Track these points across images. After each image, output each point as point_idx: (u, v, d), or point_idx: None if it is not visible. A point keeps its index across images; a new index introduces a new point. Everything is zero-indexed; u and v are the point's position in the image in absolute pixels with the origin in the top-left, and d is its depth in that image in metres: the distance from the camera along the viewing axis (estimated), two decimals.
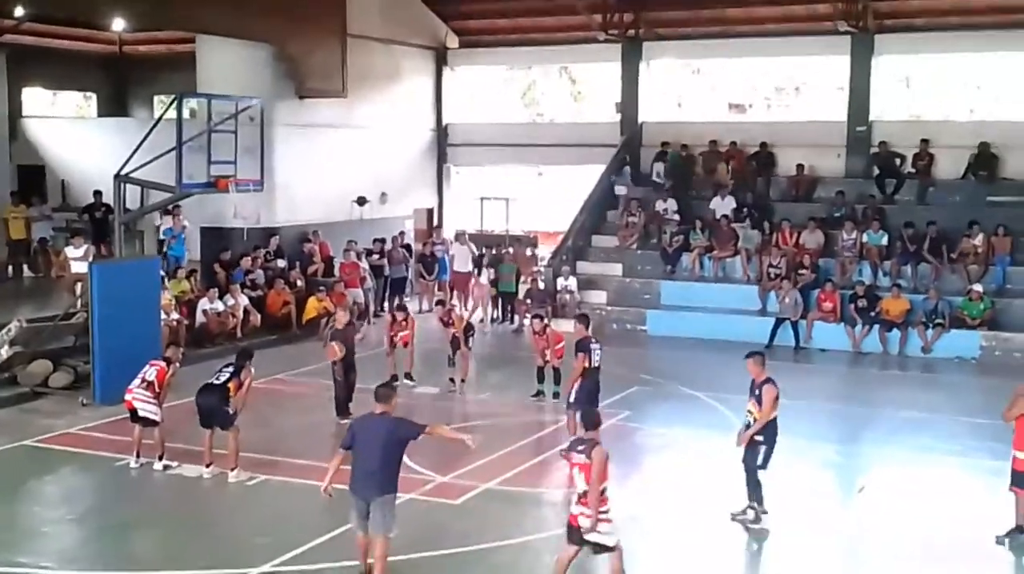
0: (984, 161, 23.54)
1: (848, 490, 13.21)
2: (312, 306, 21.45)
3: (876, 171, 24.36)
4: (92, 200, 23.78)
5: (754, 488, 11.25)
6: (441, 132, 29.71)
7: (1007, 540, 10.87)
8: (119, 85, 33.16)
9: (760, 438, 11.15)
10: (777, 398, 11.07)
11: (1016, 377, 12.29)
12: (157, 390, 13.04)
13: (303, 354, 19.18)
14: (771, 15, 25.78)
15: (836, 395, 17.75)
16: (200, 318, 19.86)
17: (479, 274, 24.30)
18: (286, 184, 23.42)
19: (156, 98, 32.59)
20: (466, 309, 24.59)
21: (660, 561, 10.24)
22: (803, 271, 22.09)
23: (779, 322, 21.26)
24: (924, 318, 20.66)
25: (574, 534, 9.05)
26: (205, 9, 20.44)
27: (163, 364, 13.25)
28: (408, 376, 17.54)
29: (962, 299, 20.71)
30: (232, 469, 12.64)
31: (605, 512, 8.98)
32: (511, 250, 25.22)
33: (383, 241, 24.92)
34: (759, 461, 11.17)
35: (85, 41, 31.17)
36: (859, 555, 10.96)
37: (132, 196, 17.80)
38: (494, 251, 25.32)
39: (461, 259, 24.81)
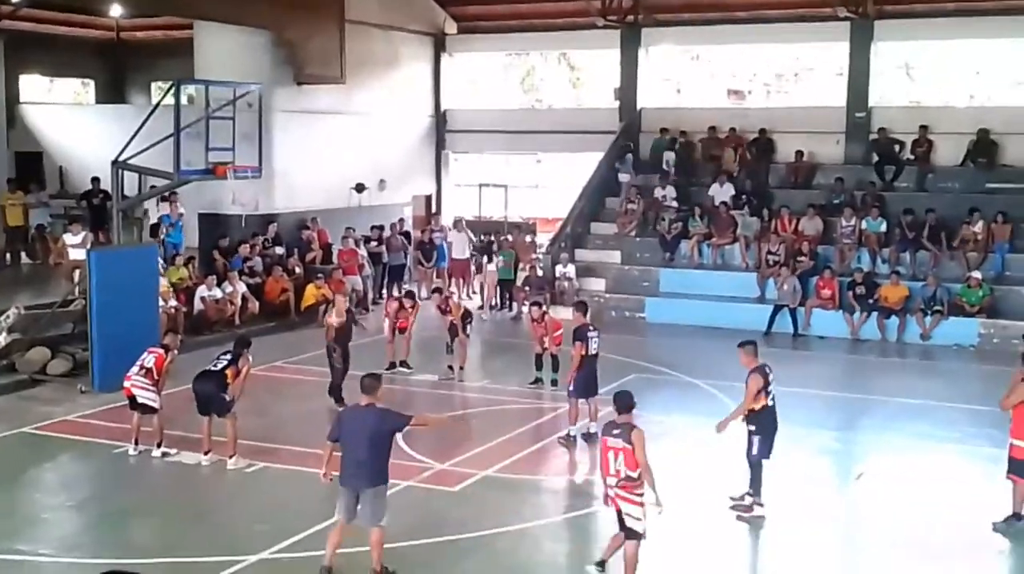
0: (983, 148, 23.51)
1: (846, 477, 13.22)
2: (310, 293, 21.44)
3: (875, 158, 24.32)
4: (90, 187, 23.74)
5: (752, 477, 11.26)
6: (440, 118, 29.66)
7: (1005, 527, 10.90)
8: (117, 71, 33.11)
9: (752, 428, 11.17)
10: (762, 390, 11.03)
11: (1014, 364, 12.28)
12: (156, 377, 13.04)
13: (301, 341, 19.17)
14: (770, 1, 25.73)
15: (834, 382, 17.74)
16: (198, 305, 19.85)
17: (489, 261, 24.19)
18: (284, 171, 23.38)
19: (154, 84, 32.54)
20: (470, 296, 24.63)
21: (658, 548, 10.23)
22: (802, 258, 22.07)
23: (777, 309, 21.26)
24: (923, 305, 20.66)
25: (618, 517, 9.17)
26: None
27: (161, 351, 13.24)
28: (404, 364, 17.57)
29: (961, 286, 20.71)
30: (230, 456, 12.65)
31: (640, 495, 9.06)
32: (509, 237, 25.19)
33: (381, 228, 24.90)
34: (753, 451, 11.19)
35: (83, 27, 31.13)
36: (856, 542, 10.99)
37: (130, 183, 17.78)
38: (492, 238, 25.29)
39: (459, 246, 24.80)
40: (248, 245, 22.22)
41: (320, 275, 21.76)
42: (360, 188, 25.84)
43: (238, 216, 23.04)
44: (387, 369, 17.42)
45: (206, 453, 12.80)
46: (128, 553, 10.32)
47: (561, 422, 14.24)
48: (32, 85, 31.99)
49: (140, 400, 13.01)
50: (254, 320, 20.73)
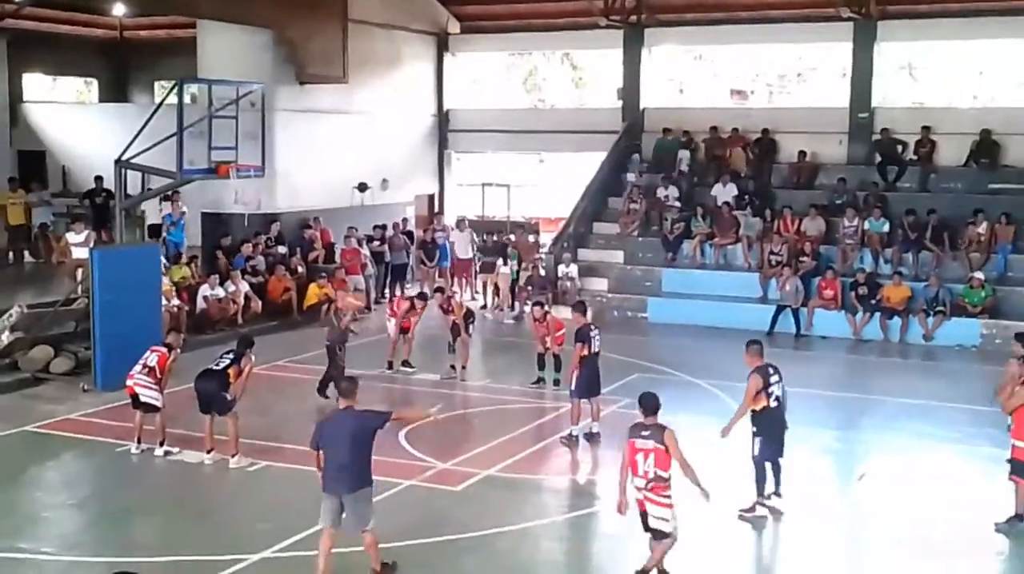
0: (986, 148, 23.48)
1: (848, 477, 13.23)
2: (313, 292, 21.45)
3: (878, 158, 24.30)
4: (93, 186, 23.77)
5: (756, 478, 11.27)
6: (442, 118, 29.65)
7: (1007, 528, 10.90)
8: (120, 70, 33.11)
9: (754, 429, 11.19)
10: (761, 390, 11.03)
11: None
12: (158, 376, 13.05)
13: (304, 340, 19.17)
14: (774, 1, 25.71)
15: (836, 382, 17.74)
16: (201, 304, 19.86)
17: (504, 262, 24.01)
18: (287, 170, 23.37)
19: (157, 83, 32.54)
20: (473, 296, 24.60)
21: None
22: (804, 258, 22.06)
23: (780, 309, 21.25)
24: (925, 306, 20.64)
25: (645, 519, 9.18)
26: None
27: (164, 350, 13.26)
28: (407, 363, 17.58)
29: (963, 287, 20.69)
30: (233, 455, 12.67)
31: (668, 497, 9.08)
32: (512, 237, 25.19)
33: (384, 227, 24.90)
34: (755, 452, 11.21)
35: (85, 26, 31.12)
36: (859, 541, 10.98)
37: (133, 182, 17.79)
38: (505, 239, 25.24)
39: (462, 246, 24.80)
40: (251, 244, 22.23)
41: (323, 274, 21.77)
42: (363, 187, 25.84)
43: (241, 215, 23.00)
44: (387, 369, 17.46)
45: (208, 452, 12.81)
46: (130, 552, 10.33)
47: (563, 422, 14.24)
48: (35, 84, 32.00)
49: (143, 399, 13.02)
50: (256, 319, 20.74)
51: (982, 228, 21.69)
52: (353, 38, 24.35)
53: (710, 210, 24.05)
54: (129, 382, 13.11)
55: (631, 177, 25.80)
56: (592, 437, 13.81)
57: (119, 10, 26.28)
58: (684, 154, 25.57)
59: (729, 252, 23.64)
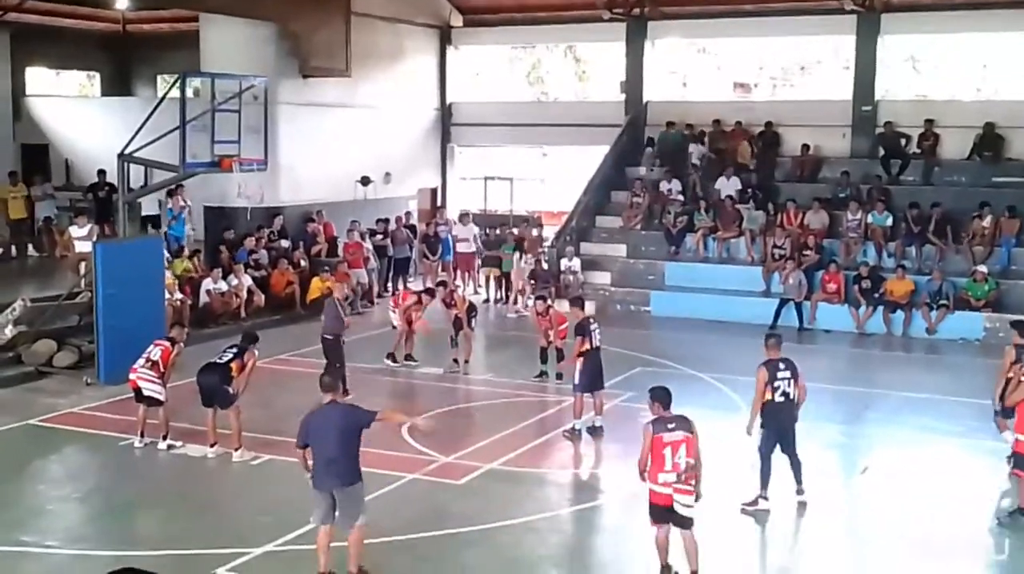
0: (989, 141, 23.44)
1: (851, 470, 13.23)
2: (316, 286, 21.45)
3: (881, 151, 24.27)
4: (96, 179, 23.79)
5: (760, 470, 11.30)
6: (445, 111, 29.65)
7: (1009, 521, 10.90)
8: (122, 64, 33.10)
9: (761, 421, 11.27)
10: (768, 382, 11.11)
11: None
12: (162, 370, 13.07)
13: (307, 334, 19.14)
14: None
15: (839, 376, 17.72)
16: (204, 298, 19.88)
17: (520, 258, 23.82)
18: (290, 164, 23.38)
19: (160, 77, 32.54)
20: (477, 290, 24.59)
21: None
22: (807, 252, 22.03)
23: (783, 303, 21.21)
24: (928, 299, 20.62)
25: (670, 514, 9.17)
26: None
27: (168, 344, 13.27)
28: (410, 357, 17.59)
29: (966, 280, 20.66)
30: (236, 449, 12.69)
31: (693, 484, 9.17)
32: (515, 230, 25.17)
33: (387, 221, 24.89)
34: (759, 443, 11.25)
35: (88, 20, 31.12)
36: (862, 534, 10.99)
37: (136, 175, 17.79)
38: (498, 231, 25.24)
39: (464, 240, 24.78)
40: (254, 238, 22.23)
41: (326, 268, 21.79)
42: (365, 181, 25.84)
43: (244, 209, 23.06)
44: (392, 362, 17.47)
45: (212, 445, 12.83)
46: (133, 545, 10.36)
47: (566, 416, 14.24)
48: (38, 78, 32.00)
49: (146, 393, 13.04)
50: (259, 313, 20.75)
51: (987, 222, 21.66)
52: (356, 31, 24.34)
53: (713, 204, 24.03)
54: (132, 376, 13.13)
55: (643, 170, 25.72)
56: (595, 431, 13.82)
57: (122, 4, 26.34)
58: (696, 148, 25.51)
59: (732, 246, 23.62)
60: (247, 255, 21.73)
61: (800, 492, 11.39)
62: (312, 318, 20.50)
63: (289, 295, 21.63)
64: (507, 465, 12.67)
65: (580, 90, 36.82)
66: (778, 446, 11.28)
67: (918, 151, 24.04)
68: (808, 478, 11.50)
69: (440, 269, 24.60)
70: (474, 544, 10.41)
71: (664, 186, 24.90)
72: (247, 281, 20.78)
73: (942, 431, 14.35)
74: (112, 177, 19.53)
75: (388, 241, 24.49)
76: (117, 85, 32.85)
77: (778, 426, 11.20)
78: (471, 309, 17.75)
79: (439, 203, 28.97)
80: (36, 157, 27.81)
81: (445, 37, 29.27)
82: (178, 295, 18.91)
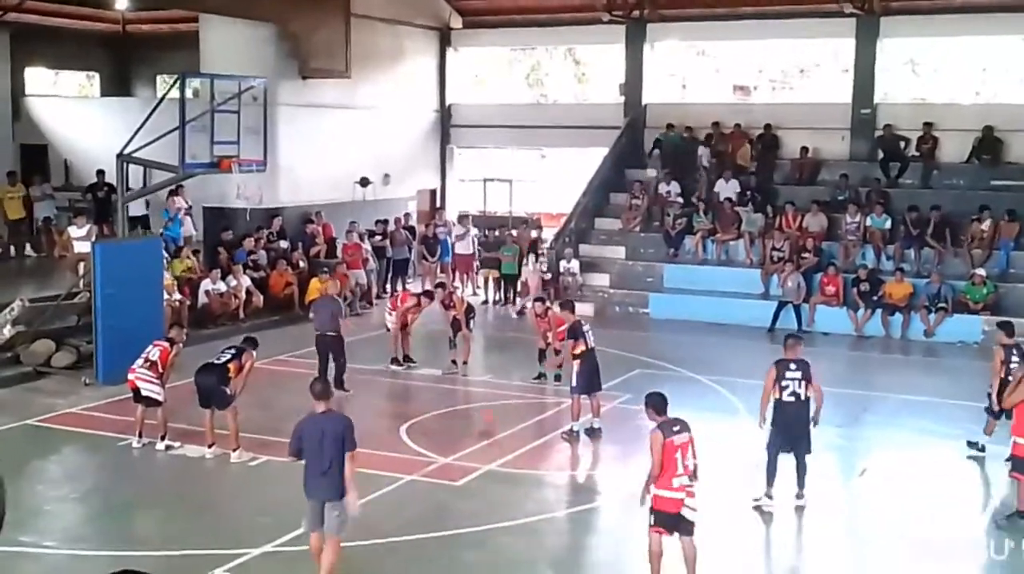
0: (988, 145, 23.46)
1: (849, 472, 13.23)
2: (315, 287, 21.35)
3: (880, 154, 24.28)
4: (95, 180, 23.76)
5: (766, 468, 11.36)
6: (444, 113, 29.65)
7: (1008, 524, 10.90)
8: (122, 65, 33.07)
9: (771, 419, 11.35)
10: (776, 381, 11.19)
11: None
12: (160, 370, 13.07)
13: (305, 335, 19.09)
14: None
15: (838, 379, 17.64)
16: (203, 299, 19.87)
17: (537, 261, 23.71)
18: (289, 165, 23.38)
19: (159, 77, 32.51)
20: (476, 292, 24.59)
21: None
22: (806, 254, 22.04)
23: (782, 305, 21.23)
24: (927, 302, 20.63)
25: (677, 521, 9.06)
26: None
27: (166, 344, 13.27)
28: (408, 358, 17.60)
29: (965, 283, 20.68)
30: (234, 450, 12.68)
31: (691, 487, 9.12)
32: (514, 232, 25.19)
33: (386, 222, 24.89)
34: (767, 442, 11.28)
35: (88, 20, 31.09)
36: (861, 536, 10.99)
37: (135, 176, 17.78)
38: (497, 233, 25.24)
39: (463, 241, 24.79)
40: (252, 239, 22.23)
41: (325, 269, 21.75)
42: (364, 182, 25.83)
43: (243, 210, 23.04)
44: (396, 365, 17.47)
45: (210, 446, 12.83)
46: (131, 545, 10.36)
47: (564, 417, 14.24)
48: (37, 78, 31.97)
49: (144, 393, 13.03)
50: (258, 314, 20.74)
51: (986, 225, 21.67)
52: (356, 33, 24.35)
53: (712, 206, 24.03)
54: (130, 376, 13.13)
55: (651, 172, 25.67)
56: (593, 433, 13.82)
57: (122, 4, 26.32)
58: (704, 150, 25.51)
59: (731, 248, 23.63)
60: (246, 256, 21.72)
61: (799, 496, 11.38)
62: (310, 319, 20.55)
63: (288, 296, 21.63)
64: (505, 466, 12.67)
65: (579, 92, 36.85)
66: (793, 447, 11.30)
67: (917, 154, 24.05)
68: (807, 480, 11.50)
69: (439, 270, 24.61)
70: (473, 545, 10.41)
71: (663, 188, 24.91)
72: (246, 282, 20.78)
73: (940, 434, 14.35)
74: (111, 177, 19.52)
75: (387, 242, 24.49)
76: (116, 85, 32.83)
77: (785, 425, 11.22)
78: (469, 310, 17.76)
79: (438, 204, 28.97)
80: (35, 157, 27.78)
81: (445, 39, 29.27)
82: (177, 296, 18.91)
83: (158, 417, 13.08)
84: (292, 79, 23.41)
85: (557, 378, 16.19)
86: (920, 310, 20.60)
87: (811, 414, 11.34)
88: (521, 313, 22.56)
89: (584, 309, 20.81)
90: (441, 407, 15.48)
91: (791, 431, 11.25)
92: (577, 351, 13.72)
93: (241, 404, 12.84)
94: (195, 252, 21.40)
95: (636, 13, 26.79)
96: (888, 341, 20.64)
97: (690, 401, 15.70)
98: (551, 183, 32.97)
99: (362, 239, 23.63)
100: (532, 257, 23.52)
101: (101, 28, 31.94)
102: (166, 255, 19.47)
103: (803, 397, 11.20)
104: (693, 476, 9.09)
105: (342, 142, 25.16)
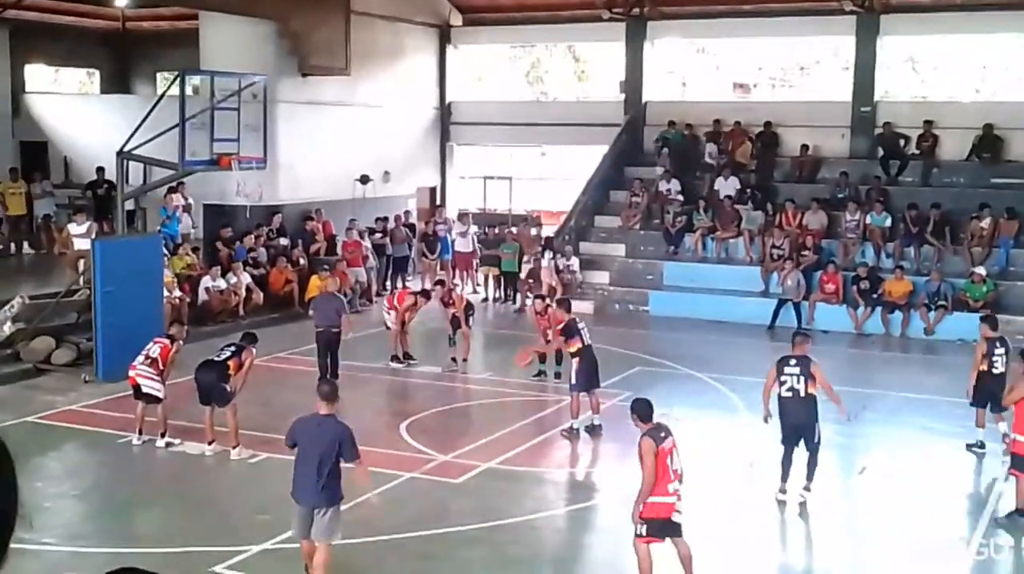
0: (988, 143, 23.45)
1: (849, 470, 13.24)
2: (314, 284, 21.37)
3: (880, 152, 24.27)
4: (95, 177, 23.77)
5: (780, 462, 11.44)
6: (444, 110, 29.64)
7: (1008, 522, 10.91)
8: (122, 62, 33.09)
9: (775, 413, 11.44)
10: (775, 378, 11.27)
11: (1016, 360, 12.35)
12: (161, 367, 13.07)
13: (305, 332, 19.11)
14: None
15: (837, 376, 17.47)
16: (202, 296, 19.88)
17: (553, 256, 23.46)
18: (289, 162, 23.37)
19: (159, 75, 32.53)
20: (476, 289, 24.58)
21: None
22: (806, 252, 22.04)
23: (781, 303, 21.23)
24: (927, 300, 20.63)
25: (668, 526, 8.94)
26: None
27: (167, 341, 13.27)
28: (408, 356, 17.61)
29: (965, 281, 20.67)
30: (234, 447, 12.69)
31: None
32: (514, 230, 25.18)
33: (385, 220, 24.90)
34: (780, 438, 11.41)
35: (88, 17, 31.10)
36: (859, 535, 11.00)
37: (135, 173, 17.79)
38: (497, 230, 25.21)
39: (463, 239, 24.79)
40: (252, 236, 22.23)
41: (325, 267, 21.76)
42: (364, 180, 25.83)
43: (242, 207, 23.04)
44: (396, 363, 17.48)
45: (210, 443, 12.83)
46: (131, 542, 10.37)
47: (564, 415, 14.24)
48: (37, 75, 31.98)
49: (144, 390, 13.03)
50: (258, 311, 20.75)
51: (985, 223, 21.66)
52: (355, 30, 24.34)
53: (712, 204, 24.03)
54: (131, 373, 13.13)
55: (659, 170, 25.58)
56: (594, 430, 13.83)
57: (122, 1, 26.31)
58: (711, 147, 25.50)
59: (731, 246, 23.64)
60: (246, 253, 21.73)
61: (806, 489, 11.42)
62: (310, 316, 20.56)
63: (288, 293, 21.63)
64: (505, 464, 12.67)
65: (579, 90, 36.84)
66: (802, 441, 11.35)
67: (917, 152, 24.04)
68: (816, 474, 11.50)
69: (439, 268, 24.61)
70: (472, 543, 10.42)
71: (663, 186, 24.90)
72: (246, 279, 20.78)
73: (940, 431, 14.37)
74: (111, 174, 19.52)
75: (387, 240, 24.50)
76: (117, 82, 32.84)
77: (788, 420, 11.28)
78: (468, 308, 17.77)
79: (438, 202, 28.96)
80: (35, 154, 27.80)
81: (445, 36, 29.25)
82: (177, 293, 18.92)
83: (158, 414, 13.08)
84: (292, 76, 23.40)
85: (557, 375, 16.20)
86: (920, 308, 20.60)
87: (816, 410, 11.36)
88: (521, 311, 22.57)
89: (584, 307, 20.85)
90: (441, 405, 15.49)
91: (796, 426, 11.30)
92: (573, 349, 13.73)
93: (241, 401, 12.84)
94: (195, 249, 21.41)
95: (636, 10, 26.77)
96: (888, 339, 20.64)
97: (690, 399, 15.77)
98: (551, 181, 32.96)
99: (362, 236, 23.63)
100: (548, 254, 23.34)
101: (101, 25, 31.97)
102: (165, 252, 19.49)
103: (803, 393, 11.22)
104: (680, 479, 9.02)
105: (342, 139, 25.15)
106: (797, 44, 31.65)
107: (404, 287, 21.26)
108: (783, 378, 11.25)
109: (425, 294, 18.11)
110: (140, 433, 13.15)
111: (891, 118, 24.32)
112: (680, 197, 24.59)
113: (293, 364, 17.47)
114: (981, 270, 20.62)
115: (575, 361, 13.73)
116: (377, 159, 26.41)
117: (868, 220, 22.56)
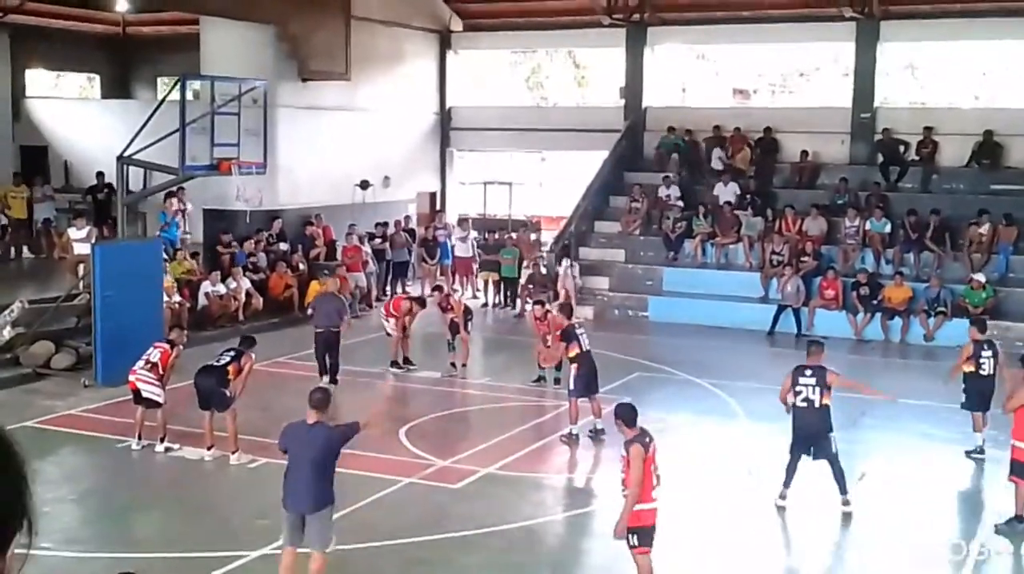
0: (988, 149, 23.46)
1: (848, 476, 13.19)
2: (314, 290, 21.37)
3: (880, 158, 24.29)
4: (95, 182, 23.79)
5: (785, 468, 11.46)
6: (444, 116, 29.66)
7: (1007, 529, 10.90)
8: (122, 66, 33.13)
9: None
10: (789, 388, 11.30)
11: (1016, 366, 12.36)
12: (160, 372, 13.07)
13: (305, 337, 19.12)
14: (776, 0, 25.70)
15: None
16: (202, 301, 19.88)
17: (572, 266, 23.35)
18: (289, 167, 23.38)
19: (159, 79, 32.55)
20: (475, 295, 24.57)
21: (658, 544, 10.25)
22: (805, 258, 22.04)
23: (781, 309, 21.24)
24: (926, 306, 20.63)
25: (654, 533, 8.89)
26: None
27: (167, 346, 13.27)
28: (408, 361, 17.61)
29: (964, 287, 20.67)
30: (233, 452, 12.68)
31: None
32: (514, 235, 25.19)
33: (385, 225, 24.91)
34: (789, 445, 11.43)
35: (88, 22, 31.15)
36: (858, 541, 10.98)
37: (135, 178, 17.80)
38: (497, 235, 25.25)
39: (463, 244, 24.80)
40: (252, 241, 22.24)
41: (325, 272, 21.77)
42: (364, 185, 25.84)
43: (243, 212, 23.04)
44: (396, 368, 17.48)
45: (209, 448, 12.83)
46: (130, 547, 10.36)
47: (563, 420, 14.24)
48: (38, 79, 32.03)
49: (144, 394, 13.03)
50: (258, 316, 20.76)
51: (984, 229, 21.67)
52: (356, 35, 24.36)
53: (712, 209, 24.04)
54: (131, 377, 13.13)
55: (671, 175, 25.53)
56: (597, 434, 13.81)
57: (122, 6, 26.33)
58: (719, 152, 25.48)
59: (730, 251, 23.65)
60: (246, 258, 21.74)
61: (845, 503, 11.35)
62: (310, 321, 20.57)
63: (287, 298, 21.64)
64: (504, 469, 12.67)
65: (579, 95, 36.88)
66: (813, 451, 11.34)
67: (917, 158, 24.07)
68: (806, 484, 11.50)
69: (439, 273, 24.62)
70: (471, 548, 10.41)
71: (663, 192, 24.91)
72: (245, 284, 20.79)
73: (939, 438, 14.37)
74: (111, 179, 19.53)
75: (387, 245, 24.51)
76: (117, 87, 32.87)
77: (801, 430, 11.28)
78: (467, 313, 17.77)
79: (438, 207, 28.98)
80: (35, 159, 27.84)
81: (445, 41, 29.28)
82: (177, 298, 18.92)
83: (157, 419, 13.08)
84: (292, 81, 23.42)
85: (556, 381, 16.19)
86: (919, 314, 20.60)
87: (830, 420, 11.35)
88: (520, 316, 22.58)
89: (584, 312, 20.84)
90: (440, 410, 15.48)
91: (809, 436, 11.29)
92: (571, 354, 13.73)
93: (240, 406, 12.84)
94: (193, 255, 21.42)
95: (636, 16, 26.79)
96: (887, 345, 20.64)
97: (689, 404, 15.77)
98: (551, 186, 33.00)
99: (362, 241, 23.65)
100: (566, 262, 22.84)
101: (101, 30, 32.00)
102: (165, 257, 19.50)
103: (817, 403, 11.21)
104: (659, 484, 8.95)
105: (342, 144, 25.17)
106: (797, 50, 31.71)
107: (404, 292, 21.25)
108: (798, 388, 11.24)
109: (420, 301, 18.11)
110: (139, 438, 13.15)
111: (891, 124, 24.34)
112: (680, 203, 24.59)
113: (293, 369, 17.47)
114: (980, 276, 20.62)
115: (573, 367, 13.74)
116: (377, 164, 26.43)
117: (868, 226, 22.57)
